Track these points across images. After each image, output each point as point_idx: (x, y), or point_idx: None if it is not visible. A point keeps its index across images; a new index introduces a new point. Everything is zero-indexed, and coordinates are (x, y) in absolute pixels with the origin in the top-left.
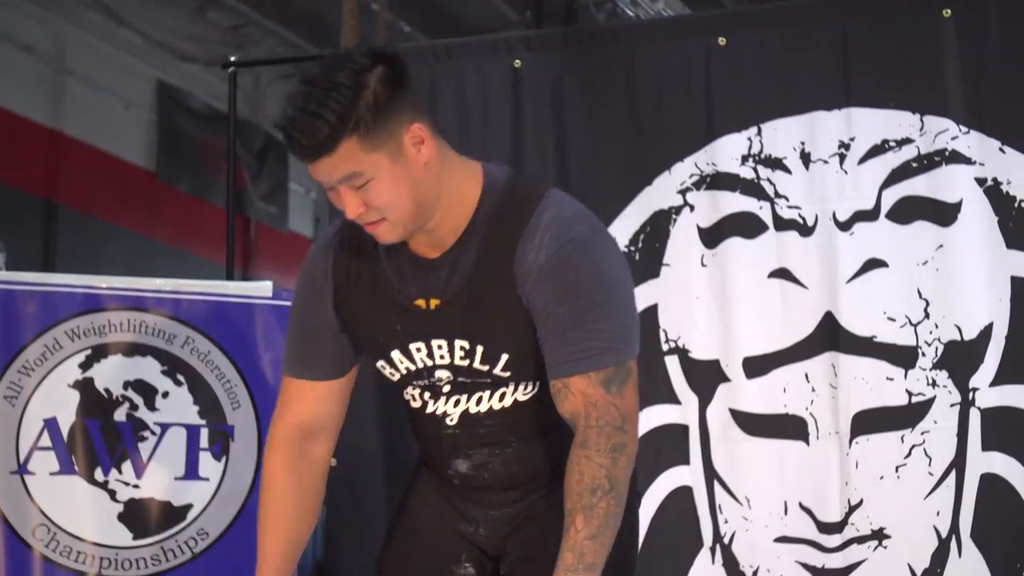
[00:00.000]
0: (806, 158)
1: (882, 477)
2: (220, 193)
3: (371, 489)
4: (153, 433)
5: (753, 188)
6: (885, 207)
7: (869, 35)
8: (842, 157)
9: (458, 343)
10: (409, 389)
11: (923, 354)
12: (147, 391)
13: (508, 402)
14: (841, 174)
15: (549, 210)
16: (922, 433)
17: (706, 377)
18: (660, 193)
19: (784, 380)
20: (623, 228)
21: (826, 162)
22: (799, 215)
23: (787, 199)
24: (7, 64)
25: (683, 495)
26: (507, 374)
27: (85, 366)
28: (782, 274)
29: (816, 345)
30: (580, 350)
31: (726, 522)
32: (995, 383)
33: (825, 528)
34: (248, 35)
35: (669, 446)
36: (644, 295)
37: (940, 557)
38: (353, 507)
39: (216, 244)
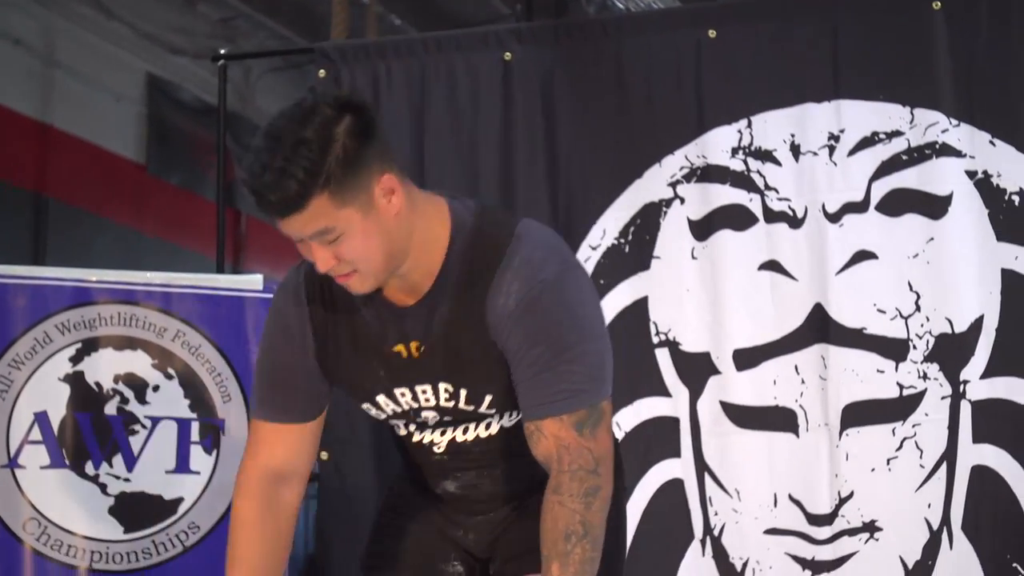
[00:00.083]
0: (796, 150)
1: (873, 469)
2: (210, 186)
3: (363, 483)
4: (144, 427)
5: (743, 180)
6: (875, 199)
7: (859, 27)
8: (832, 149)
9: (442, 386)
10: (395, 420)
11: (914, 347)
12: (138, 385)
13: (494, 430)
14: (831, 166)
15: (519, 252)
16: (913, 426)
17: (697, 370)
18: (650, 186)
19: (774, 372)
20: (613, 221)
21: (816, 154)
22: (789, 207)
23: (777, 191)
24: None
25: (674, 488)
26: (492, 410)
27: (75, 360)
28: (772, 266)
29: (805, 337)
30: (552, 393)
31: (716, 514)
32: (986, 375)
33: (815, 520)
34: (238, 28)
35: (660, 439)
36: (634, 288)
37: (931, 549)
38: (345, 501)
39: (206, 237)
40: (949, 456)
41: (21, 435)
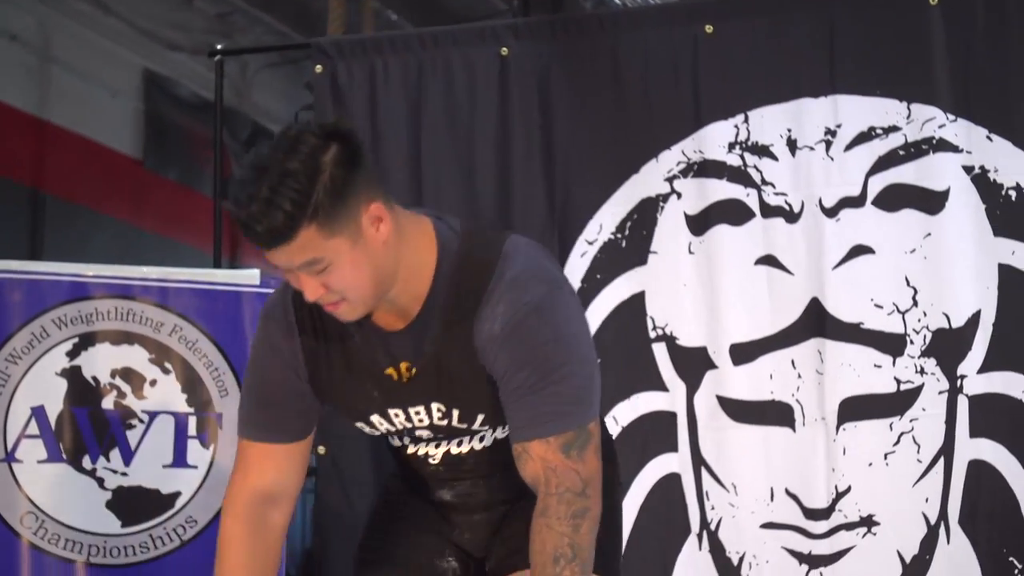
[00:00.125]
0: (792, 145)
1: (871, 464)
2: (207, 181)
3: (360, 477)
4: (141, 421)
5: (740, 175)
6: (872, 194)
7: (856, 22)
8: (828, 144)
9: (435, 406)
10: (389, 436)
11: (911, 342)
12: (135, 379)
13: (488, 442)
14: (827, 161)
15: (505, 275)
16: (910, 420)
17: (693, 364)
18: (647, 181)
19: (770, 367)
20: (610, 216)
21: (812, 149)
22: (785, 202)
23: (773, 186)
24: None
25: (671, 482)
26: (486, 427)
27: (72, 354)
28: (768, 261)
29: (802, 331)
30: (538, 415)
31: (712, 508)
32: (983, 370)
33: (811, 514)
34: (235, 23)
35: (657, 433)
36: (631, 283)
37: (929, 544)
38: (342, 495)
39: (203, 232)
40: (946, 451)
41: (18, 429)
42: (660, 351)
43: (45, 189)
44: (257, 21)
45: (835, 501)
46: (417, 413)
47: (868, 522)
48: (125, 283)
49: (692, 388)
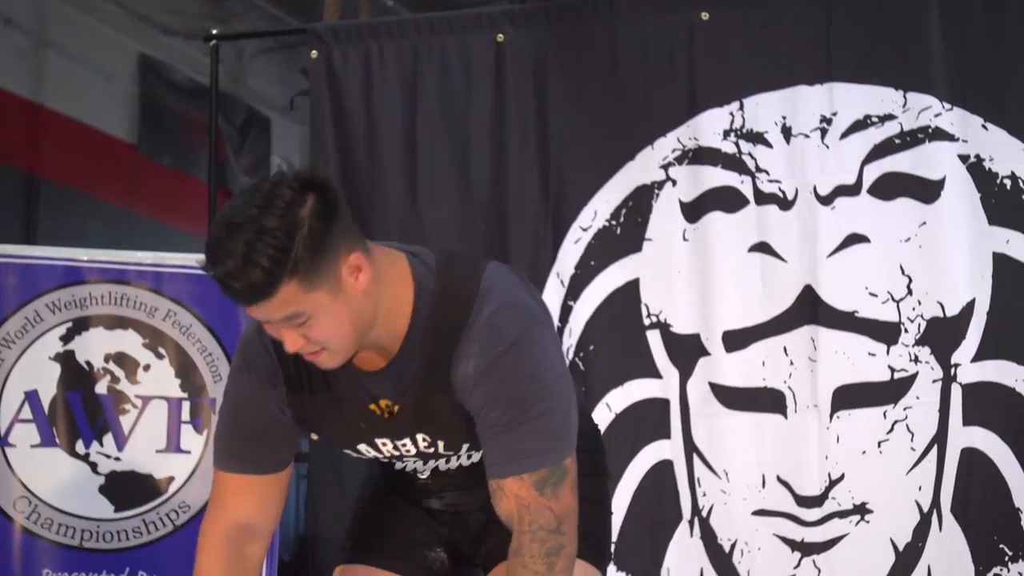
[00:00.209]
0: (787, 132)
1: (864, 452)
2: (202, 167)
3: (353, 463)
4: (134, 406)
5: (734, 163)
6: (867, 183)
7: (852, 10)
8: (823, 132)
9: (420, 436)
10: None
11: (906, 330)
12: (128, 364)
13: (476, 459)
14: (823, 148)
15: (481, 315)
16: (904, 409)
17: (687, 351)
18: (643, 168)
19: (763, 354)
20: (605, 203)
21: (807, 136)
22: (779, 189)
23: (768, 173)
24: None
25: (664, 469)
26: (473, 451)
27: (66, 339)
28: (762, 248)
29: (795, 318)
30: (513, 452)
31: (704, 495)
32: (976, 359)
33: (803, 502)
34: (230, 8)
35: (650, 420)
36: (626, 270)
37: (922, 531)
38: (335, 481)
39: (198, 218)
40: (940, 439)
41: (11, 414)
42: (654, 338)
43: (40, 173)
44: (253, 6)
45: (828, 489)
46: (404, 444)
47: (861, 510)
48: (119, 268)
49: (685, 375)
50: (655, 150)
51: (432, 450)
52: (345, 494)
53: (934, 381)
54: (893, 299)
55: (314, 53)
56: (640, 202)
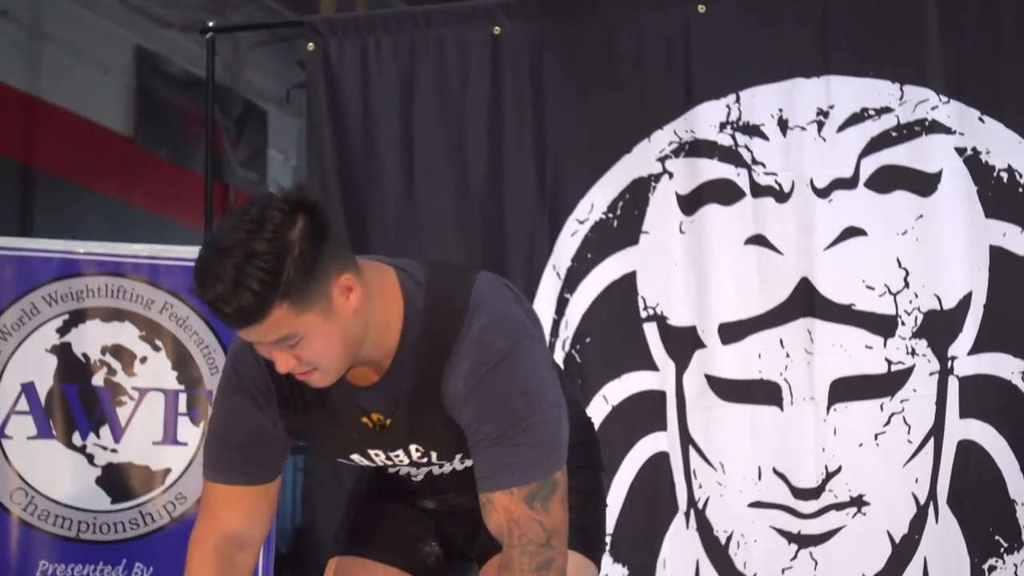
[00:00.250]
0: (783, 125)
1: (861, 444)
2: (199, 159)
3: None
4: (131, 398)
5: (731, 155)
6: (864, 176)
7: (849, 3)
8: (820, 124)
9: (413, 447)
10: None
11: (903, 323)
12: (125, 356)
13: (469, 463)
14: (819, 141)
15: (472, 328)
16: (901, 401)
17: (683, 343)
18: (639, 160)
19: (759, 346)
20: (602, 195)
21: (804, 129)
22: (775, 181)
23: (764, 165)
24: None
25: (660, 461)
26: (467, 459)
27: (63, 331)
28: (758, 240)
29: (791, 311)
30: (503, 466)
31: (700, 487)
32: (973, 351)
33: (800, 494)
34: (227, 1)
35: (647, 412)
36: (622, 262)
37: (918, 523)
38: (332, 472)
39: (194, 210)
40: (936, 431)
41: (8, 406)
42: (651, 330)
43: (36, 166)
44: None
45: (825, 481)
46: (396, 455)
47: (858, 502)
48: (116, 260)
49: (681, 367)
50: (652, 143)
51: (425, 460)
52: (341, 486)
53: (931, 374)
54: (890, 292)
55: (311, 46)
56: (637, 195)
